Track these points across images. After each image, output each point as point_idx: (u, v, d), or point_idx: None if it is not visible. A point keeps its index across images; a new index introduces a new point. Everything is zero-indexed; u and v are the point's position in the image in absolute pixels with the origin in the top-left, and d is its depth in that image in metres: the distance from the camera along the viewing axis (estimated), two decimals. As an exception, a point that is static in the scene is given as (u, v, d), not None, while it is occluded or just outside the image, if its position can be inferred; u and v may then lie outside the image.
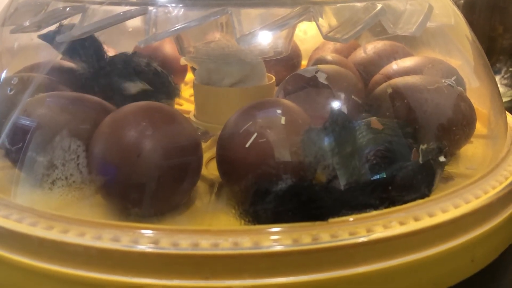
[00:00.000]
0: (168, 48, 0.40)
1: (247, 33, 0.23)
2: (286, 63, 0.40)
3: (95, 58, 0.29)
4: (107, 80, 0.29)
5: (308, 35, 0.46)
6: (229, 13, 0.23)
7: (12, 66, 0.29)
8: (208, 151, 0.30)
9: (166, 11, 0.24)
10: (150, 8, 0.24)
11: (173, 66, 0.39)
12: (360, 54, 0.36)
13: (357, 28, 0.24)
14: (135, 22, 0.28)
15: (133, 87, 0.29)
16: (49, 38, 0.27)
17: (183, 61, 0.36)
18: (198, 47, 0.33)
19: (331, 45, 0.39)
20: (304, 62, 0.44)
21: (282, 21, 0.24)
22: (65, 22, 0.26)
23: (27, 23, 0.26)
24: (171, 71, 0.33)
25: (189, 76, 0.44)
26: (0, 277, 0.22)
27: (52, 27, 0.27)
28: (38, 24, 0.25)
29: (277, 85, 0.34)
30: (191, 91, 0.39)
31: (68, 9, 0.25)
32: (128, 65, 0.30)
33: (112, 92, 0.29)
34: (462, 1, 0.50)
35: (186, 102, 0.40)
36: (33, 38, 0.28)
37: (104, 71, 0.29)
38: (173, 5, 0.24)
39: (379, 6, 0.25)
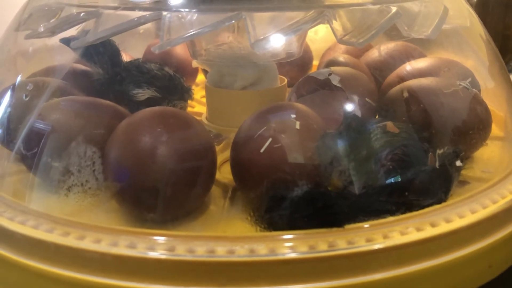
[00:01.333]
0: (179, 49, 0.40)
1: (262, 38, 0.23)
2: (297, 64, 0.39)
3: (110, 64, 0.29)
4: (120, 86, 0.29)
5: (318, 35, 0.46)
6: (244, 18, 0.23)
7: (27, 70, 0.29)
8: (221, 154, 0.30)
9: (180, 16, 0.24)
10: (164, 13, 0.23)
11: (184, 67, 0.39)
12: (372, 55, 0.36)
13: (372, 32, 0.23)
14: (146, 24, 0.28)
15: (141, 94, 0.30)
16: (69, 42, 0.27)
17: (195, 64, 0.36)
18: (209, 49, 0.33)
19: (342, 45, 0.39)
20: (315, 62, 0.44)
21: (296, 26, 0.23)
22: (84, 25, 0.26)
23: (41, 29, 0.26)
24: (182, 73, 0.33)
25: (200, 77, 0.44)
26: (17, 283, 0.22)
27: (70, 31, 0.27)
28: (52, 29, 0.25)
29: (289, 87, 0.34)
30: (203, 92, 0.39)
31: (82, 14, 0.25)
32: (139, 71, 0.30)
33: (124, 98, 0.29)
34: (475, 0, 0.49)
35: (198, 104, 0.40)
36: (46, 42, 0.28)
37: (117, 77, 0.29)
38: (187, 10, 0.24)
39: (394, 9, 0.25)
